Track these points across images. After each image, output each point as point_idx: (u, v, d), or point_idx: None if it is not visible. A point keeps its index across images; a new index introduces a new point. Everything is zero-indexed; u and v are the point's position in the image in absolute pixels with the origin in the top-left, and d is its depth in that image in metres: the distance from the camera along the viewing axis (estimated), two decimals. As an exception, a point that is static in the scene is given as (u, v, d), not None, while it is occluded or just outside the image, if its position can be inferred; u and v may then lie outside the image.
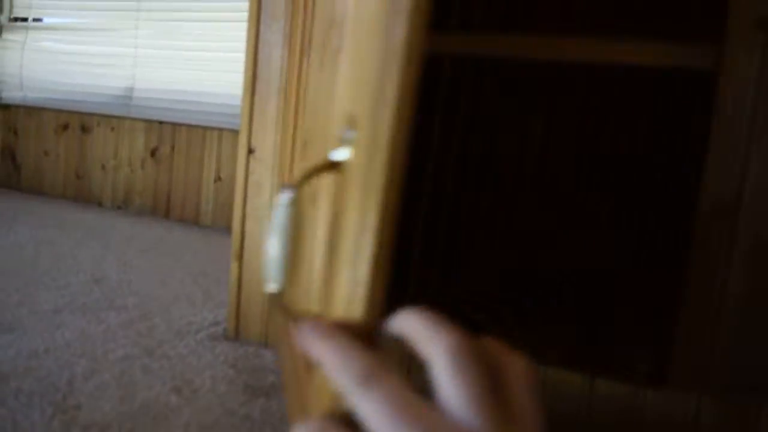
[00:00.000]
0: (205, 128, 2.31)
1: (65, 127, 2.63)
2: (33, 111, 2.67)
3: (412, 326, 0.28)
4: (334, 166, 0.40)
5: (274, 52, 1.35)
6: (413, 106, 0.30)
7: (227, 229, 2.25)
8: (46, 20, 2.71)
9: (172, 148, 2.39)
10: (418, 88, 0.30)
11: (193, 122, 2.32)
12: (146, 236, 2.15)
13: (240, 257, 1.40)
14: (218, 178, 2.30)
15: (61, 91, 2.65)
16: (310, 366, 0.57)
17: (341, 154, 0.39)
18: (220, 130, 2.28)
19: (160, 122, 2.40)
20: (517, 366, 0.28)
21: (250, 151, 1.38)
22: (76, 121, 2.59)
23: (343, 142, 0.39)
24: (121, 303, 1.48)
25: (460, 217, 1.41)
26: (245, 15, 1.42)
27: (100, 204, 2.58)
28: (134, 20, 2.48)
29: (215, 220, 2.32)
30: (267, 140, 1.36)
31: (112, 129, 2.52)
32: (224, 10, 2.25)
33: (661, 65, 0.73)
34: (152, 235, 2.17)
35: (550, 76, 1.28)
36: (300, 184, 0.37)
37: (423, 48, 0.29)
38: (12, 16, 2.75)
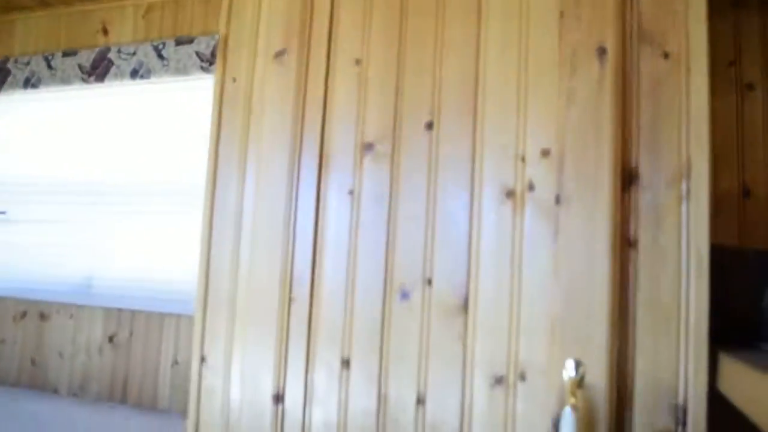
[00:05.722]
0: (163, 314, 2.43)
1: (23, 315, 2.70)
2: (-8, 301, 2.75)
3: None
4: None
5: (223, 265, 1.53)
6: None
7: (184, 413, 2.29)
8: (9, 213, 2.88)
9: (131, 333, 2.48)
10: None
11: (152, 308, 2.44)
12: (104, 429, 2.17)
13: (194, 464, 1.48)
14: (175, 362, 2.38)
15: (20, 280, 2.76)
16: None
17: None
18: (178, 315, 2.41)
19: (119, 309, 2.52)
20: None
21: (202, 359, 1.51)
22: (35, 309, 2.68)
23: None
24: None
25: None
26: (198, 210, 1.61)
27: (56, 391, 2.59)
28: (93, 213, 2.67)
29: (172, 403, 2.36)
30: (217, 348, 1.49)
31: (71, 316, 2.61)
32: (178, 204, 2.48)
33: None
34: (110, 426, 2.19)
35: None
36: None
37: None
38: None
